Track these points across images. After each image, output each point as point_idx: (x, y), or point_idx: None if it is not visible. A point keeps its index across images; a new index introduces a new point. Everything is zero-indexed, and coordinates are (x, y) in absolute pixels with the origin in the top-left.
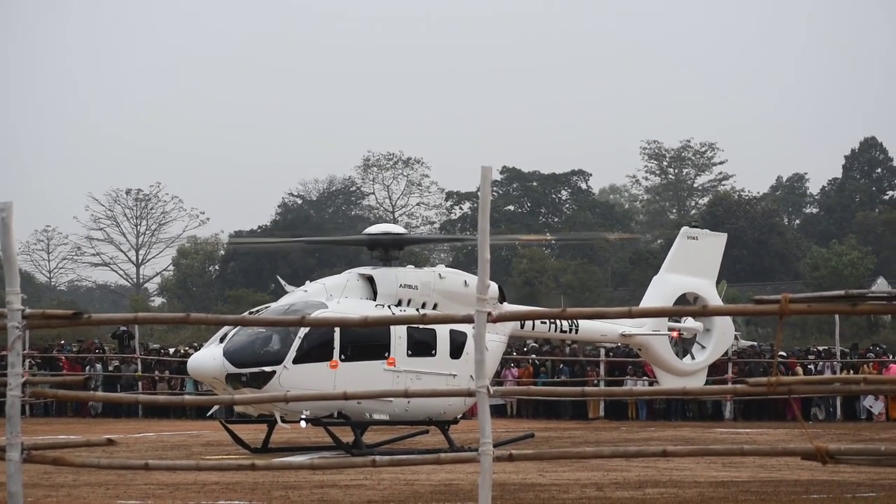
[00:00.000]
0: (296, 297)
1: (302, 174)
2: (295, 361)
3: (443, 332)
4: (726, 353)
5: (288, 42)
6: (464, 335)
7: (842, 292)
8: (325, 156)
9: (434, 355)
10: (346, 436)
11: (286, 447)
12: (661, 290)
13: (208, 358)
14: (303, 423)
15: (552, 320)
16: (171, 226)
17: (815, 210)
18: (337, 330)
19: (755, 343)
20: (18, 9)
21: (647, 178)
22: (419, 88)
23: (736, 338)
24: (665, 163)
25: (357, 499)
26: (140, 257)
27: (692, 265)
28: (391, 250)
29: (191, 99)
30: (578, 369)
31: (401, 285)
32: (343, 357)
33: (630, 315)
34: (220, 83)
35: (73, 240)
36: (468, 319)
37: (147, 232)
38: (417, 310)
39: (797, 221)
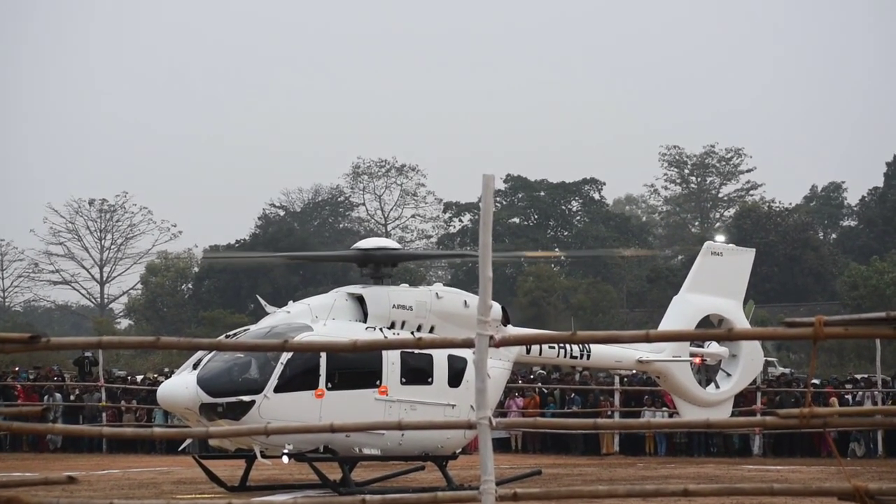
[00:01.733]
0: (277, 319)
1: (284, 183)
2: (276, 390)
3: (440, 358)
4: (755, 381)
5: (269, 38)
6: (463, 361)
7: (883, 314)
8: (310, 162)
9: (430, 383)
10: (333, 472)
11: (266, 485)
12: (681, 312)
13: (180, 386)
14: (285, 459)
15: (561, 344)
16: (139, 240)
17: (853, 223)
18: (323, 355)
19: (787, 370)
20: None
21: (666, 188)
22: (414, 88)
23: (774, 365)
24: (687, 170)
25: None
26: (104, 275)
27: (717, 284)
28: (383, 267)
29: (160, 100)
30: (591, 399)
31: (394, 306)
32: (330, 385)
33: (647, 339)
34: (192, 82)
35: (29, 255)
36: (468, 343)
37: (112, 247)
38: (412, 333)
39: (833, 235)
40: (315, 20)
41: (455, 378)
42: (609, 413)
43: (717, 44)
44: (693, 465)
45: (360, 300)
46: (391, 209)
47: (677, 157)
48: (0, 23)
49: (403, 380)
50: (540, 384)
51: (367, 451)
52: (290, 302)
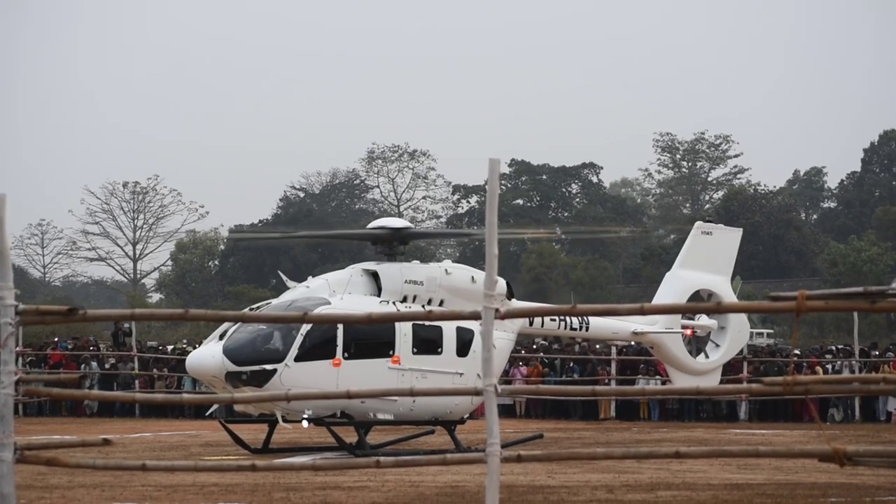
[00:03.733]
0: (298, 293)
1: (304, 166)
2: (297, 359)
3: (449, 330)
4: (741, 351)
5: (289, 33)
6: (471, 332)
7: (860, 289)
8: (328, 148)
9: (440, 353)
10: (350, 436)
11: (287, 448)
12: (674, 287)
13: (207, 356)
14: (305, 423)
15: (562, 317)
16: (170, 220)
17: (833, 205)
18: (340, 327)
19: (772, 342)
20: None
21: (659, 172)
22: (425, 78)
23: (768, 336)
24: (678, 155)
25: (360, 501)
26: (137, 252)
27: (706, 261)
28: (396, 245)
29: (190, 89)
30: (589, 368)
31: (406, 281)
32: (346, 355)
33: (642, 312)
34: (220, 72)
35: (68, 234)
36: (475, 316)
37: (144, 226)
38: (423, 306)
39: (815, 216)
40: (331, 22)
41: (463, 348)
42: (606, 381)
43: (705, 41)
44: (684, 429)
45: (374, 276)
46: (403, 191)
47: (669, 144)
48: (37, 12)
49: (415, 350)
50: (542, 354)
51: (381, 416)
52: (310, 277)
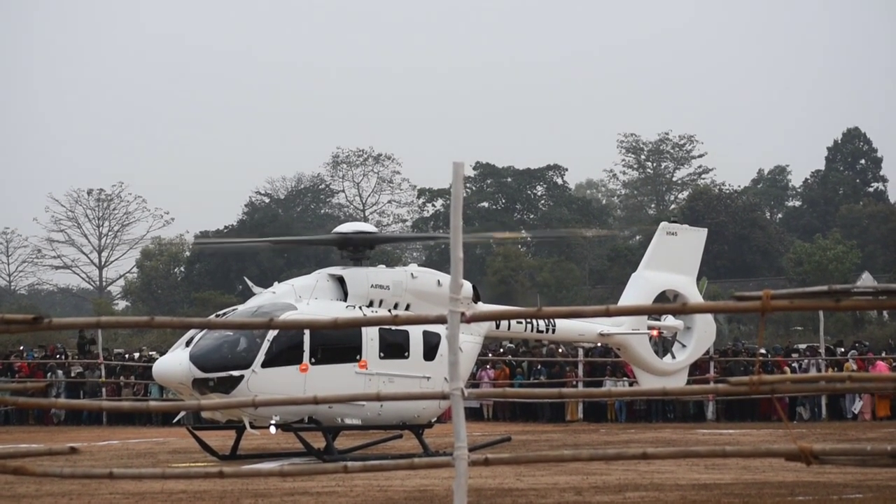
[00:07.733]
0: (264, 299)
1: (269, 172)
2: (264, 365)
3: (416, 334)
4: (708, 351)
5: (253, 36)
6: (437, 336)
7: (825, 288)
8: (292, 153)
9: (407, 357)
10: (317, 441)
11: (255, 454)
12: (639, 288)
13: (174, 362)
14: (272, 429)
15: (528, 320)
16: (135, 226)
17: (797, 203)
18: (307, 332)
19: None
20: None
21: (624, 173)
22: (390, 86)
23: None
24: (643, 156)
25: None
26: (103, 259)
27: (672, 261)
28: (362, 250)
29: (154, 95)
30: (556, 370)
31: (372, 285)
32: (313, 360)
33: (608, 313)
34: (183, 78)
35: (33, 242)
36: (441, 320)
37: (110, 233)
38: (389, 310)
39: (779, 215)
40: (296, 25)
41: (430, 352)
42: (573, 383)
43: (668, 41)
44: (651, 430)
45: (340, 281)
46: (369, 195)
47: (634, 144)
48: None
49: (382, 354)
50: (509, 357)
51: (348, 421)
52: (276, 283)
